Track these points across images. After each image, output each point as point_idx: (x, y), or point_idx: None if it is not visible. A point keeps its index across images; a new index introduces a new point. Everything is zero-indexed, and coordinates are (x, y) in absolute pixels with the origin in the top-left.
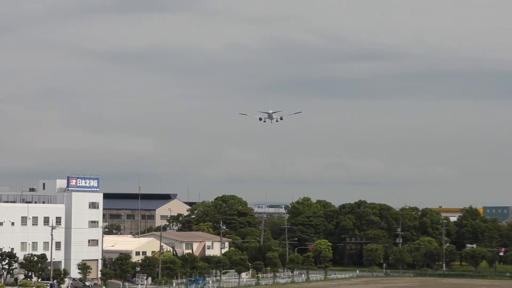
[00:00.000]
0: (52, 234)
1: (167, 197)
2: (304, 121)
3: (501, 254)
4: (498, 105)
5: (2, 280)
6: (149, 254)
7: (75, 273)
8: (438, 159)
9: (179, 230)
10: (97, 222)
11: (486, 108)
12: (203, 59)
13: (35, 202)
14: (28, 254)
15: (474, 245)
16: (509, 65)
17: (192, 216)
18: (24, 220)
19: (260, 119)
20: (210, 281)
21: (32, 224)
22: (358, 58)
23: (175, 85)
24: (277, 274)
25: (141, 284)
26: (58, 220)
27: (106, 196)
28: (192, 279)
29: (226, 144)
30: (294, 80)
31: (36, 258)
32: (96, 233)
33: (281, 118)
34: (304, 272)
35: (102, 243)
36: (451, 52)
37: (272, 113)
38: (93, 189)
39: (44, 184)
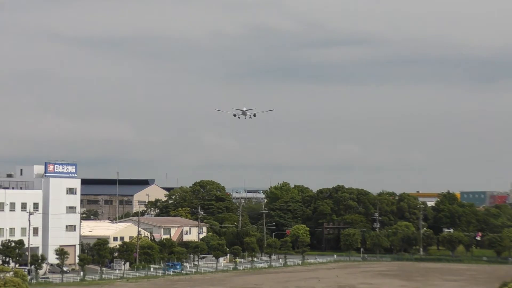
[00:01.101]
0: (29, 220)
1: (145, 183)
2: (282, 107)
3: (478, 238)
4: (474, 90)
5: None
6: (127, 239)
7: (52, 258)
8: (416, 144)
9: (157, 215)
10: (75, 207)
11: (463, 94)
12: (182, 45)
13: (13, 188)
14: (6, 240)
15: (451, 230)
16: (486, 51)
17: (170, 202)
18: (1, 206)
19: (235, 115)
20: (188, 266)
21: (10, 210)
22: (335, 44)
23: (154, 71)
24: (255, 259)
25: (119, 269)
26: (36, 206)
27: (84, 182)
28: (170, 264)
29: (204, 130)
30: (270, 66)
31: (13, 244)
32: (74, 218)
33: (254, 115)
34: (282, 257)
35: (80, 228)
36: (427, 38)
37: (246, 110)
38: (70, 175)
39: (21, 170)
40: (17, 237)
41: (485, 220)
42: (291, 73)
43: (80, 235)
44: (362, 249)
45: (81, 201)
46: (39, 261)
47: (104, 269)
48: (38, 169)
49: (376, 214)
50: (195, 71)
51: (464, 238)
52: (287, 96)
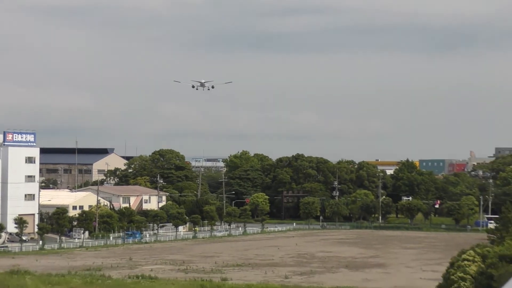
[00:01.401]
0: None
1: (104, 152)
2: (241, 75)
3: (437, 206)
4: (431, 59)
5: None
6: (86, 208)
7: (11, 227)
8: (375, 112)
9: (116, 184)
10: (34, 176)
11: (420, 62)
12: (143, 14)
13: None
14: None
15: (410, 198)
16: (441, 19)
17: (129, 170)
18: None
19: (193, 86)
20: (148, 235)
21: None
22: (294, 13)
23: (114, 40)
24: (214, 228)
25: (78, 238)
26: None
27: (43, 151)
28: (129, 233)
29: (164, 99)
30: (231, 35)
31: None
32: (33, 187)
33: (213, 87)
34: (241, 225)
35: (39, 197)
36: (385, 6)
37: (205, 82)
38: (29, 143)
39: None
40: None
41: (444, 188)
42: (252, 43)
43: (39, 204)
44: (321, 218)
45: (40, 170)
46: None
47: (63, 238)
48: None
49: (335, 183)
50: (156, 40)
51: (423, 206)
52: (247, 65)
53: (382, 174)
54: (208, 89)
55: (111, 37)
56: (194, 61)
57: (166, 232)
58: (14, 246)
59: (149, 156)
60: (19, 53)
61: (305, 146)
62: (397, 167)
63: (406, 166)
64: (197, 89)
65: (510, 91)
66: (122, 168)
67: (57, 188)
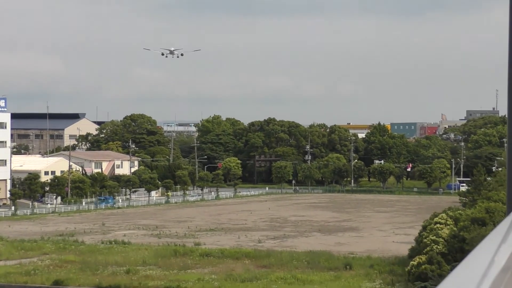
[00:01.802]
0: None
1: (75, 117)
2: (212, 39)
3: (408, 170)
4: (403, 21)
5: None
6: (58, 173)
7: None
8: (346, 76)
9: (88, 149)
10: (5, 142)
11: (393, 26)
12: None
13: None
14: None
15: (382, 161)
16: None
17: (101, 136)
18: None
19: (163, 54)
20: (120, 200)
21: None
22: None
23: (82, 2)
24: (187, 192)
25: (51, 204)
26: None
27: (14, 116)
28: (102, 198)
29: (136, 63)
30: None
31: None
32: (4, 153)
33: (182, 54)
34: (214, 190)
35: (11, 163)
36: None
37: (174, 50)
38: (0, 109)
39: None
40: None
41: (416, 151)
42: (221, 6)
43: (11, 170)
44: (293, 182)
45: (11, 135)
46: None
47: (36, 203)
48: None
49: (307, 147)
50: (128, 3)
51: (395, 170)
52: (218, 28)
53: (354, 137)
54: (178, 57)
55: (82, 0)
56: (165, 25)
57: (139, 197)
58: None
59: (121, 121)
60: None
61: (277, 110)
62: (369, 131)
63: (378, 130)
64: (166, 56)
65: (480, 54)
66: (94, 133)
67: (29, 154)
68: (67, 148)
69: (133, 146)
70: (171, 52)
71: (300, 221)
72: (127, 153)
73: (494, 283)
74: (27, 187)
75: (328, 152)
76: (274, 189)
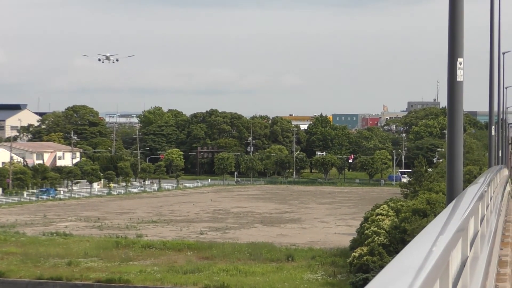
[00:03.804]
0: None
1: (16, 108)
2: (154, 30)
3: (350, 161)
4: (345, 13)
5: None
6: None
7: None
8: (288, 67)
9: (29, 140)
10: None
11: (335, 17)
12: None
13: None
14: None
15: (324, 153)
16: None
17: (43, 127)
18: None
19: (99, 60)
20: (62, 191)
21: None
22: None
23: None
24: (129, 184)
25: None
26: None
27: None
28: (43, 189)
29: (77, 54)
30: None
31: None
32: None
33: (117, 60)
34: (156, 182)
35: None
36: None
37: (109, 55)
38: None
39: None
40: None
41: (357, 142)
42: None
43: None
44: (236, 173)
45: None
46: None
47: None
48: None
49: (250, 138)
50: None
51: (337, 161)
52: (158, 19)
53: (296, 129)
54: (113, 62)
55: None
56: (107, 16)
57: (81, 188)
58: None
59: (63, 112)
60: None
61: (219, 101)
62: (311, 122)
63: (320, 121)
64: (103, 62)
65: (422, 45)
66: (36, 125)
67: None
68: (8, 139)
69: (75, 137)
70: (107, 58)
71: (242, 213)
72: (69, 144)
73: (430, 273)
74: None
75: (270, 143)
76: (216, 181)
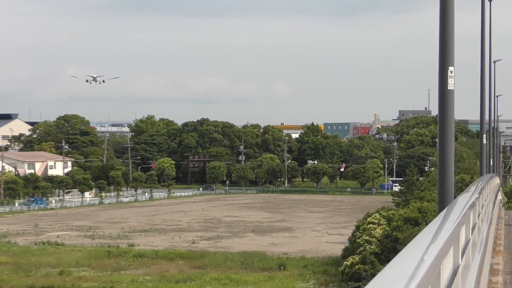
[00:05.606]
0: None
1: (8, 117)
2: (146, 39)
3: (342, 170)
4: (335, 22)
5: None
6: None
7: None
8: (280, 76)
9: (21, 150)
10: None
11: (327, 26)
12: None
13: None
14: None
15: (316, 162)
16: None
17: (34, 136)
18: None
19: (87, 81)
20: (53, 201)
21: None
22: None
23: (16, 2)
24: (121, 193)
25: None
26: None
27: None
28: (35, 199)
29: (68, 63)
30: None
31: None
32: None
33: (103, 81)
34: (148, 191)
35: None
36: None
37: (96, 77)
38: None
39: None
40: None
41: (349, 151)
42: (156, 6)
43: None
44: (227, 182)
45: None
46: None
47: None
48: None
49: (241, 147)
50: (58, 3)
51: (328, 170)
52: (150, 29)
53: (287, 138)
54: (100, 83)
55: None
56: (97, 25)
57: (72, 198)
58: None
59: (54, 121)
60: None
61: (211, 110)
62: (302, 131)
63: (311, 130)
64: (90, 83)
65: (413, 54)
66: (27, 134)
67: None
68: None
69: (66, 146)
70: (94, 79)
71: (234, 222)
72: (60, 153)
73: (421, 282)
74: None
75: (262, 152)
76: (208, 190)
